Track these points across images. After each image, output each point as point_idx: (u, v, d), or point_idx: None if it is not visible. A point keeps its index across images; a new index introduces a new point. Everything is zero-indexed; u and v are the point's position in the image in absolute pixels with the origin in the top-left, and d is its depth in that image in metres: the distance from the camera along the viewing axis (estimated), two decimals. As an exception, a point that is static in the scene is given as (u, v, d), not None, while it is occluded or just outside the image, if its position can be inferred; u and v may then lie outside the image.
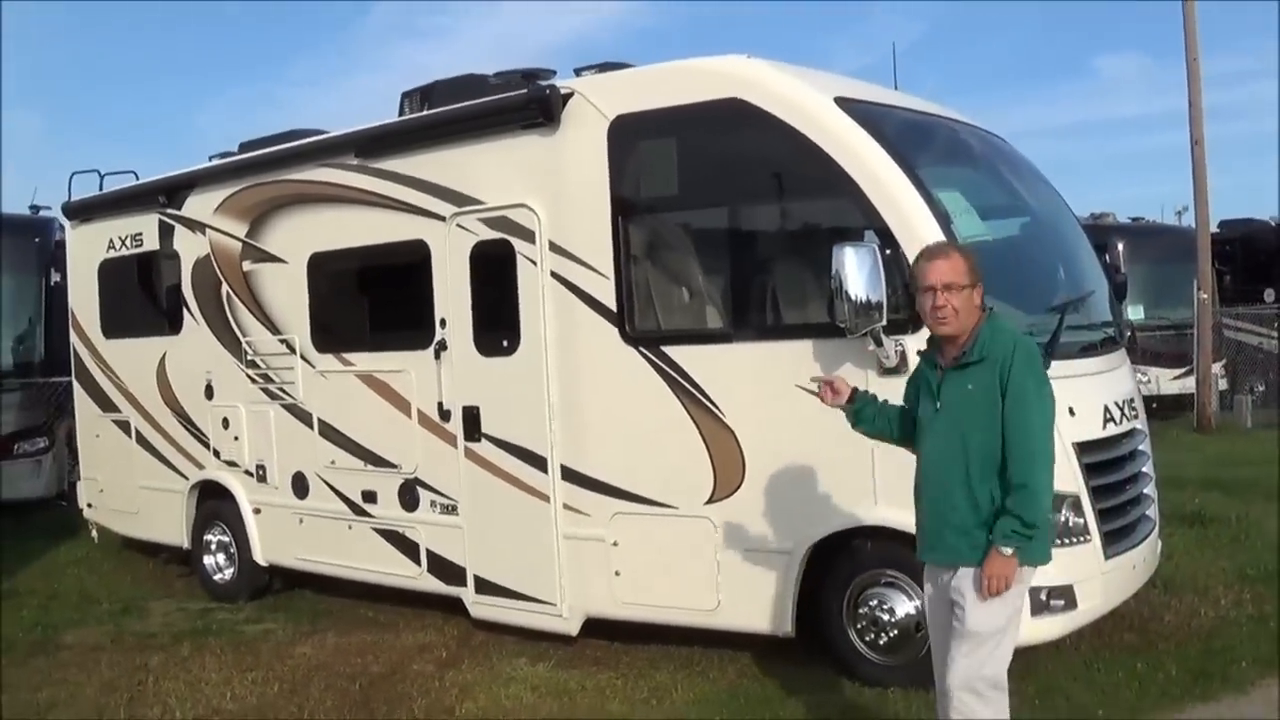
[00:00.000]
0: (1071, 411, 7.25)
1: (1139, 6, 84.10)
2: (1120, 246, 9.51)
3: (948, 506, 5.26)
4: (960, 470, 5.21)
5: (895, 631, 7.41)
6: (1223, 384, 23.00)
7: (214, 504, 11.28)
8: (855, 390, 5.86)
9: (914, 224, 7.09)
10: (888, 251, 6.91)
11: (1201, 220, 21.61)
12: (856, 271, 6.75)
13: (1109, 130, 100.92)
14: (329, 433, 10.02)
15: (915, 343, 6.54)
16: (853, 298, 6.76)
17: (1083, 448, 7.28)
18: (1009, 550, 5.10)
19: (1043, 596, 6.91)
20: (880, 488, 7.17)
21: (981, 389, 5.17)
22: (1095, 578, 7.22)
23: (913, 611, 7.29)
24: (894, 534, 7.04)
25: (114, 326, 12.47)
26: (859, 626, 7.55)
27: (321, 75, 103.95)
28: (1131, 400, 8.18)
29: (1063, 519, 7.05)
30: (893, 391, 6.18)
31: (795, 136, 7.48)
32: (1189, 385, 21.41)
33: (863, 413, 5.81)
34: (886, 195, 7.21)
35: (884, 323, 6.84)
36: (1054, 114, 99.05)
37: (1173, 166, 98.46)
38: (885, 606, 7.43)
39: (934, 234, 6.99)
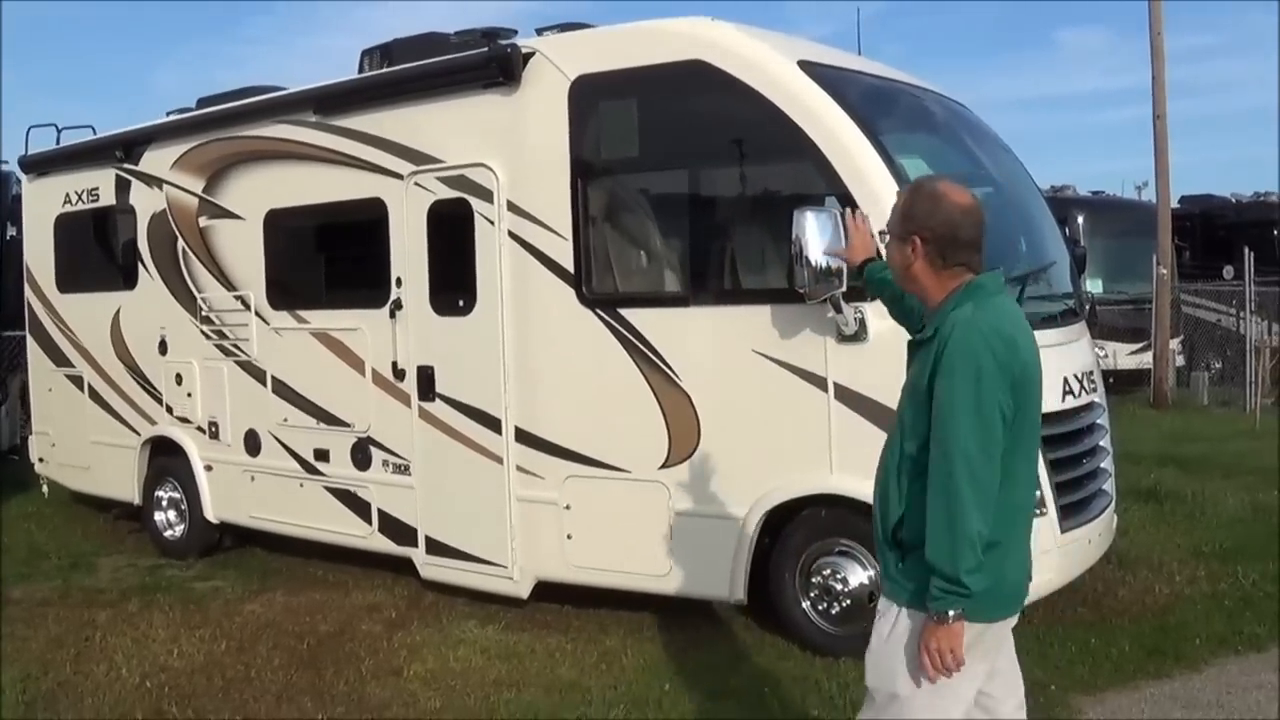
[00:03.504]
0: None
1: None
2: (1080, 219, 9.49)
3: (878, 510, 4.12)
4: (893, 470, 4.04)
5: (848, 601, 7.37)
6: (1180, 360, 23.11)
7: (165, 460, 11.19)
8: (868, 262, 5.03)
9: (876, 189, 7.02)
10: (849, 216, 6.87)
11: (1162, 196, 21.65)
12: (817, 236, 6.69)
13: (1070, 104, 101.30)
14: (282, 390, 9.93)
15: (875, 310, 6.51)
16: (812, 263, 6.70)
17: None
18: (940, 613, 3.78)
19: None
20: (836, 456, 7.16)
21: (920, 376, 3.95)
22: (1050, 551, 7.16)
23: (866, 582, 7.27)
24: (849, 503, 7.03)
25: (69, 281, 12.34)
26: (812, 595, 7.52)
27: (278, 34, 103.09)
28: (1090, 373, 8.17)
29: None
30: (853, 360, 6.40)
31: (757, 100, 7.40)
32: (1146, 360, 21.42)
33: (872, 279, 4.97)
34: (848, 160, 7.16)
35: (844, 289, 6.77)
36: (1016, 86, 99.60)
37: (1134, 142, 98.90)
38: (838, 576, 7.39)
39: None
